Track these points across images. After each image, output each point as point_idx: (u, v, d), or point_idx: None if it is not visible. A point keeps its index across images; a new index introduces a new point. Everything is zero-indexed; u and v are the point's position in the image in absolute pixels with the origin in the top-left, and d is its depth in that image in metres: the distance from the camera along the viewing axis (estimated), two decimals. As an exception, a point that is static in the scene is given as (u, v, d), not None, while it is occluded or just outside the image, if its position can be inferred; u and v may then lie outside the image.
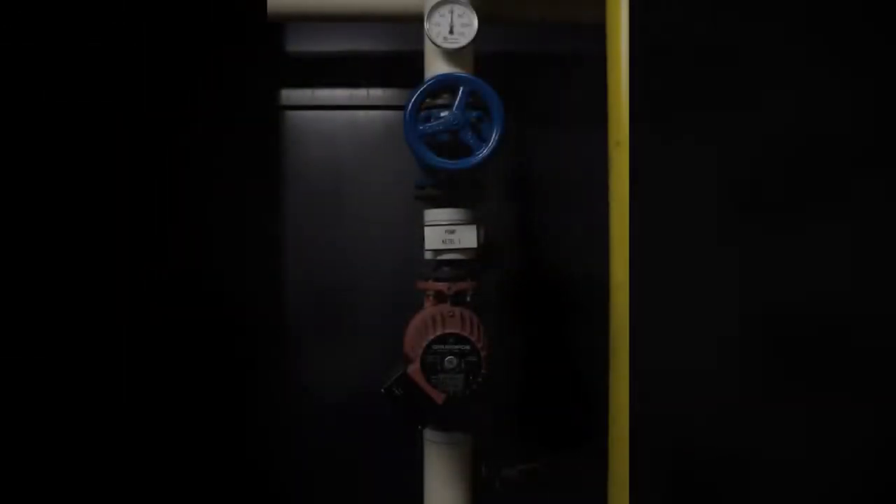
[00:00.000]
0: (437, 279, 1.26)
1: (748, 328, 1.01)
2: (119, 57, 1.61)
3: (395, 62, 1.73)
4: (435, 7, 1.23)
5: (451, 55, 1.24)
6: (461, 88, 1.17)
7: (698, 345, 1.01)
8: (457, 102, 1.17)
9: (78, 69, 1.59)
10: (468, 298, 1.26)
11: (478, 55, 1.31)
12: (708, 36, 1.02)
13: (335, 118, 1.76)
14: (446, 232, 1.24)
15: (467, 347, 1.14)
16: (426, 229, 1.27)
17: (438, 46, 1.23)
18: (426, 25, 1.23)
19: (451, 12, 1.23)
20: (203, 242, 1.66)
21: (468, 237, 1.25)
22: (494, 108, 1.18)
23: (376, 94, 1.74)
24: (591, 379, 1.30)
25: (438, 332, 1.15)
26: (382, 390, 1.18)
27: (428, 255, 1.28)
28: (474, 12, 1.22)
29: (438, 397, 1.15)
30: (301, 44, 1.76)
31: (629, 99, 1.03)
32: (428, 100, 1.20)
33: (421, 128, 1.18)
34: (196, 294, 1.65)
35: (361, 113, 1.75)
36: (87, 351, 1.61)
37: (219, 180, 1.64)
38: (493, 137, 1.18)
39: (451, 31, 1.22)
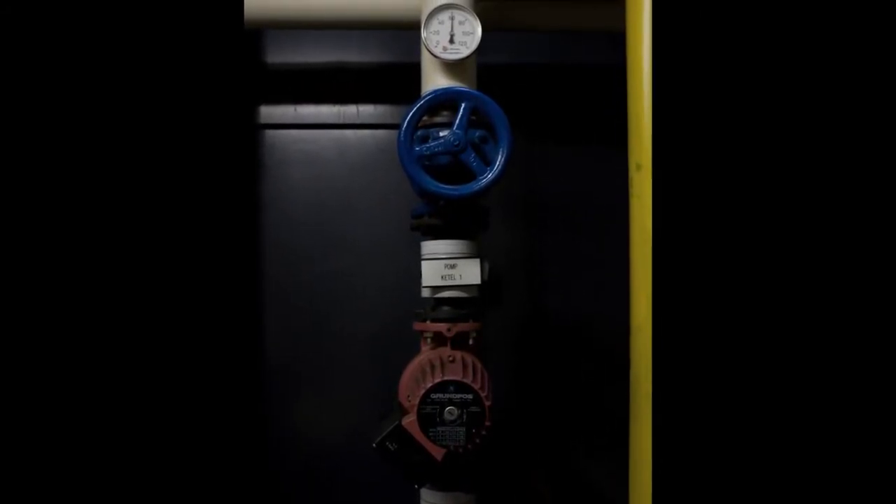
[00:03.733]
0: (436, 319, 1.16)
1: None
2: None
3: (389, 75, 1.64)
4: (433, 13, 1.13)
5: (452, 67, 1.16)
6: (462, 105, 1.09)
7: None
8: (458, 121, 1.09)
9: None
10: (470, 341, 1.17)
11: (481, 67, 1.22)
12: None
13: (321, 138, 1.65)
14: (446, 266, 1.15)
15: (469, 397, 1.09)
16: (423, 263, 1.17)
17: (437, 58, 1.14)
18: (423, 34, 1.13)
19: (452, 19, 1.14)
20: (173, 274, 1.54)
21: (471, 272, 1.15)
22: (500, 126, 1.09)
23: (367, 111, 1.64)
24: (609, 430, 1.25)
25: (437, 380, 1.09)
26: (374, 445, 1.12)
27: (425, 293, 1.19)
28: (477, 19, 1.14)
29: (437, 453, 1.09)
30: (283, 55, 1.66)
31: (652, 116, 0.95)
32: (425, 118, 1.12)
33: (417, 149, 1.10)
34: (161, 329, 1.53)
35: (351, 132, 1.65)
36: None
37: (188, 207, 1.52)
38: (499, 160, 1.10)
39: (451, 41, 1.14)
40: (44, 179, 1.39)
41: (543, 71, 1.69)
